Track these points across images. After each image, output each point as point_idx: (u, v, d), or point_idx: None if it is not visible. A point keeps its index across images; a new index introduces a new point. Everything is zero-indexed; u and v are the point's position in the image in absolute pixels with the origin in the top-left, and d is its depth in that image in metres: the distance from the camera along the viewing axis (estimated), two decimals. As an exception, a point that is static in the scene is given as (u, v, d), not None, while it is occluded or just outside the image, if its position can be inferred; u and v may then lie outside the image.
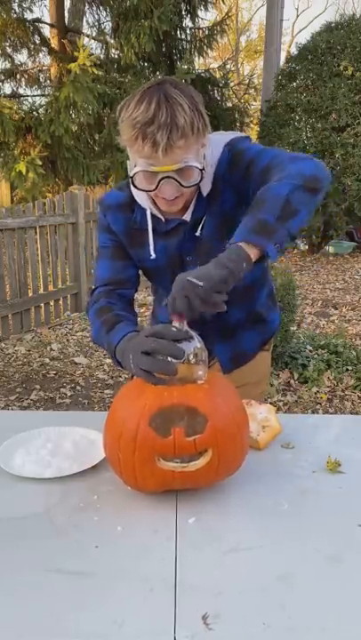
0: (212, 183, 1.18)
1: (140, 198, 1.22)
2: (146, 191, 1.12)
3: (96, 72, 6.03)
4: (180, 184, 1.06)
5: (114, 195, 1.29)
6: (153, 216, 1.23)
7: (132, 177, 1.09)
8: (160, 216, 1.22)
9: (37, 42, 8.69)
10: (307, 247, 9.82)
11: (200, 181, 1.10)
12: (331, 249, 9.76)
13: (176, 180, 1.05)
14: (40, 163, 5.74)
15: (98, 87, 6.22)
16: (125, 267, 1.30)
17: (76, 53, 5.91)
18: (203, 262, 0.95)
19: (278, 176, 1.02)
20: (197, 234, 1.22)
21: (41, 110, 6.57)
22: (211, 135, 1.17)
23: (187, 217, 1.22)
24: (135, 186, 1.10)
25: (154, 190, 1.08)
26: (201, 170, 1.06)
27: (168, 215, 1.21)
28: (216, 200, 1.20)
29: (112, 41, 8.20)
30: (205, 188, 1.18)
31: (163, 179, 1.05)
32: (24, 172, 5.65)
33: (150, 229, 1.23)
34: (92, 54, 6.34)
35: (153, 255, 1.25)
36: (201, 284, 0.89)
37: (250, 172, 1.12)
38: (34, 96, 9.15)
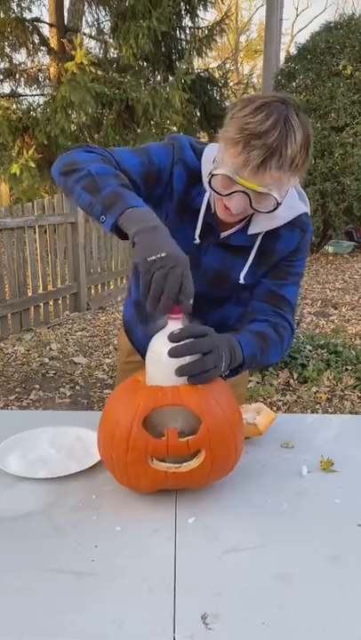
0: (279, 242, 1.17)
1: (207, 182, 1.08)
2: (216, 192, 1.05)
3: (94, 71, 6.01)
4: (251, 204, 1.01)
5: (190, 155, 1.14)
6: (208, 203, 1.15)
7: (211, 175, 1.02)
8: (211, 207, 1.14)
9: (36, 41, 8.65)
10: (306, 247, 9.80)
11: (274, 209, 1.03)
12: (330, 249, 9.76)
13: (250, 199, 1.00)
14: (33, 165, 5.71)
15: (96, 87, 6.20)
16: (143, 186, 1.13)
17: (72, 52, 5.89)
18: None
19: (282, 338, 1.17)
20: (241, 281, 1.19)
21: (39, 110, 6.55)
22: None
23: (223, 235, 1.17)
24: (209, 183, 1.04)
25: (224, 196, 1.03)
26: (278, 204, 1.01)
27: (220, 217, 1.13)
28: (268, 258, 1.19)
29: (111, 41, 8.19)
30: (255, 228, 1.14)
31: (238, 191, 1.00)
32: (18, 173, 5.62)
33: (202, 213, 1.15)
34: (90, 53, 6.32)
35: (197, 240, 1.17)
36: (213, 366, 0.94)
37: (285, 275, 1.20)
38: (33, 96, 9.14)
